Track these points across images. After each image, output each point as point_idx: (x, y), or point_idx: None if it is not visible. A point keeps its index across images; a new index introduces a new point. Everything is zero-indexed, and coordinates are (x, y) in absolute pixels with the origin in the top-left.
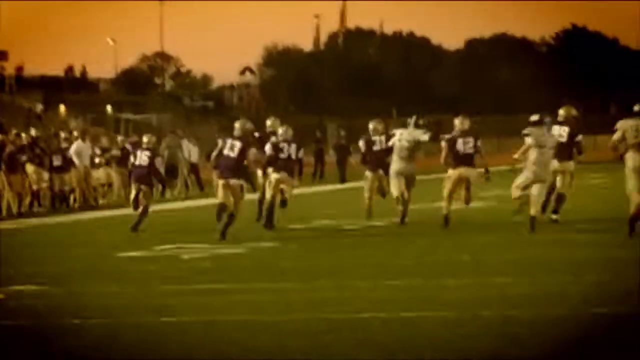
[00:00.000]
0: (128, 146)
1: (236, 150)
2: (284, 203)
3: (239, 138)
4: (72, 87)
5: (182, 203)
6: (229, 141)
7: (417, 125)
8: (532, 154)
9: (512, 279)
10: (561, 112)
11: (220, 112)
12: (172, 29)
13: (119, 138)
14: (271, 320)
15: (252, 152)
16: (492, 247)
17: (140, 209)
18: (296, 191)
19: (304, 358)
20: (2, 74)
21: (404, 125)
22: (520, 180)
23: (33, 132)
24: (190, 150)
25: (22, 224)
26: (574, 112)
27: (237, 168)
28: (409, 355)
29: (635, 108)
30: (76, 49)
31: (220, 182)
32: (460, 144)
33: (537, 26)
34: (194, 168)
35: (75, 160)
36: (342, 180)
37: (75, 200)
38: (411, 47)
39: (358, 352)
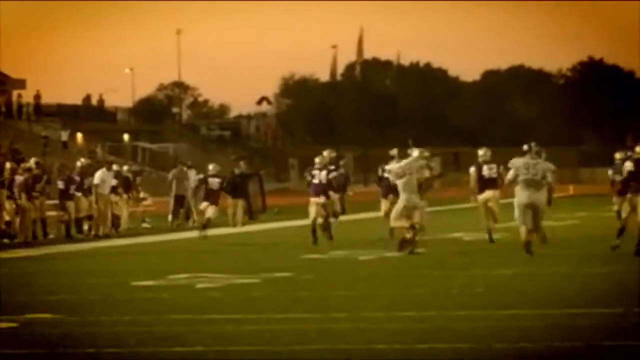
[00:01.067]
0: (129, 175)
1: None
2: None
3: None
4: (89, 115)
5: (197, 232)
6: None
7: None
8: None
9: (526, 311)
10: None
11: (237, 141)
12: (189, 58)
13: (114, 167)
14: (284, 350)
15: None
16: (506, 279)
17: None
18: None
19: None
20: (20, 102)
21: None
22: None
23: (32, 161)
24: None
25: (35, 252)
26: None
27: None
28: None
29: (524, 148)
30: (94, 78)
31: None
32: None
33: (554, 58)
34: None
35: (98, 188)
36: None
37: (90, 228)
38: (428, 78)
39: None
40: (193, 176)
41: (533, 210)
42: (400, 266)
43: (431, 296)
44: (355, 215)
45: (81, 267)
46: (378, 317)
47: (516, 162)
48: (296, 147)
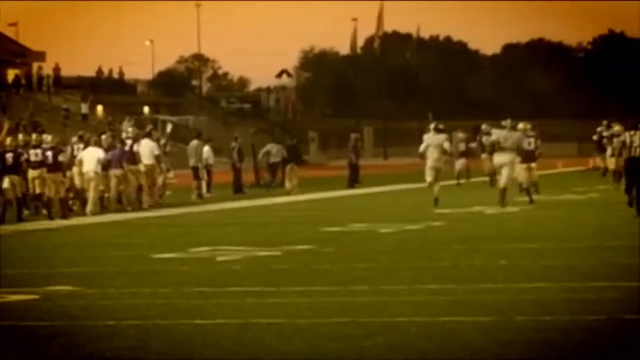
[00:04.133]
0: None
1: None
2: None
3: None
4: (109, 88)
5: (217, 205)
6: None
7: (437, 130)
8: None
9: (548, 284)
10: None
11: (257, 114)
12: (209, 31)
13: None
14: (305, 323)
15: None
16: (529, 253)
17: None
18: (332, 194)
19: None
20: (40, 75)
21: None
22: None
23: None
24: (208, 153)
25: (56, 224)
26: None
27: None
28: None
29: (503, 123)
30: (114, 50)
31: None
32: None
33: (574, 31)
34: (208, 170)
35: (143, 158)
36: (351, 184)
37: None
38: (448, 51)
39: (394, 356)
40: (207, 149)
41: (507, 167)
42: (422, 239)
43: (453, 269)
44: (376, 188)
45: (101, 239)
46: (399, 290)
47: (498, 133)
48: (316, 120)
